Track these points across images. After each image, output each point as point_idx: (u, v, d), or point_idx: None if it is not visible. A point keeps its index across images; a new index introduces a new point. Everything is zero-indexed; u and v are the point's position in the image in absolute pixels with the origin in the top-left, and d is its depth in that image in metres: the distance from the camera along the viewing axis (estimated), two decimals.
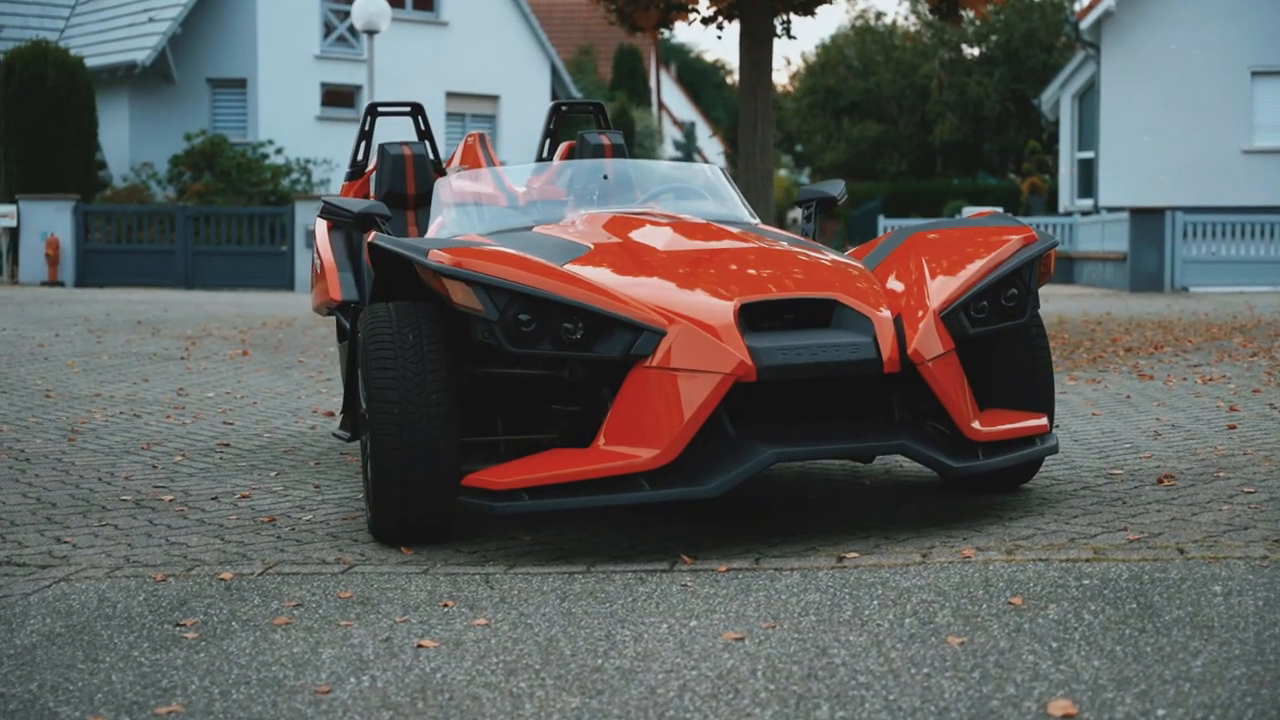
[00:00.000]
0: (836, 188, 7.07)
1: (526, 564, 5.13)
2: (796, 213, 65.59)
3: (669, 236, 5.92)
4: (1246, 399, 8.91)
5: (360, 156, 8.09)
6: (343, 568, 5.13)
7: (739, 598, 4.57)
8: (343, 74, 31.85)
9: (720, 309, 5.25)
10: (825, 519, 5.77)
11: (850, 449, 5.34)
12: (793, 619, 4.30)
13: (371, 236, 5.62)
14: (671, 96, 63.87)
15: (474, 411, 5.68)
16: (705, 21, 15.30)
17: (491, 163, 7.96)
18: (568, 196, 6.95)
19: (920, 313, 5.42)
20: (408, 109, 8.05)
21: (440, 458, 5.24)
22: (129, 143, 30.42)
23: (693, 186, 7.03)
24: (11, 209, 25.38)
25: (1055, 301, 20.90)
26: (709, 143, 60.44)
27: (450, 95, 34.06)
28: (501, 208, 6.81)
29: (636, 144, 39.52)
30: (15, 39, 28.27)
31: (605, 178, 6.90)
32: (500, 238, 6.17)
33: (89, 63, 29.10)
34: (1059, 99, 36.53)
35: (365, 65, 25.42)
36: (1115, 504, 5.74)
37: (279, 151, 29.79)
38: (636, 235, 5.98)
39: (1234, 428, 7.70)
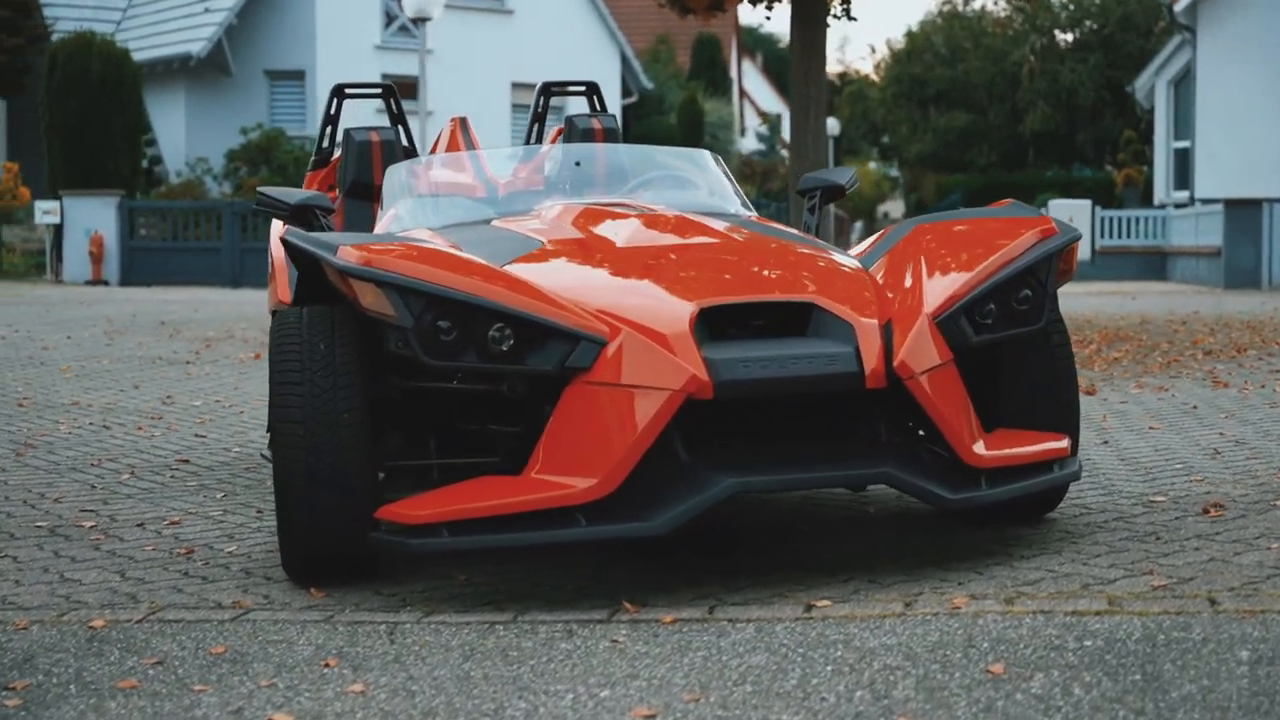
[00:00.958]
0: (844, 175, 6.31)
1: (448, 610, 4.42)
2: (886, 206, 64.44)
3: (633, 230, 5.19)
4: None
5: (326, 143, 7.42)
6: (236, 613, 4.44)
7: (672, 659, 3.83)
8: (405, 65, 31.19)
9: (674, 314, 4.51)
10: (811, 555, 5.01)
11: (825, 478, 4.58)
12: (724, 689, 3.56)
13: (283, 230, 4.93)
14: (756, 87, 63.00)
15: (405, 431, 4.97)
16: (754, 1, 14.51)
17: (472, 148, 7.24)
18: (543, 185, 6.24)
19: (913, 318, 4.66)
20: (379, 90, 7.37)
21: (352, 484, 4.54)
22: (185, 137, 29.99)
23: (682, 174, 6.30)
24: (55, 205, 24.86)
25: (1143, 299, 19.99)
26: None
27: (516, 86, 33.41)
28: (462, 198, 6.09)
29: (709, 135, 38.70)
30: (69, 33, 27.84)
31: (578, 165, 6.18)
32: (452, 232, 5.48)
33: (144, 55, 28.69)
34: (1153, 86, 35.15)
35: (427, 55, 24.78)
36: (1148, 539, 4.95)
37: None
38: (598, 229, 5.26)
39: None
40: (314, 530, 4.58)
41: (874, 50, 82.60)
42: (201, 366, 11.33)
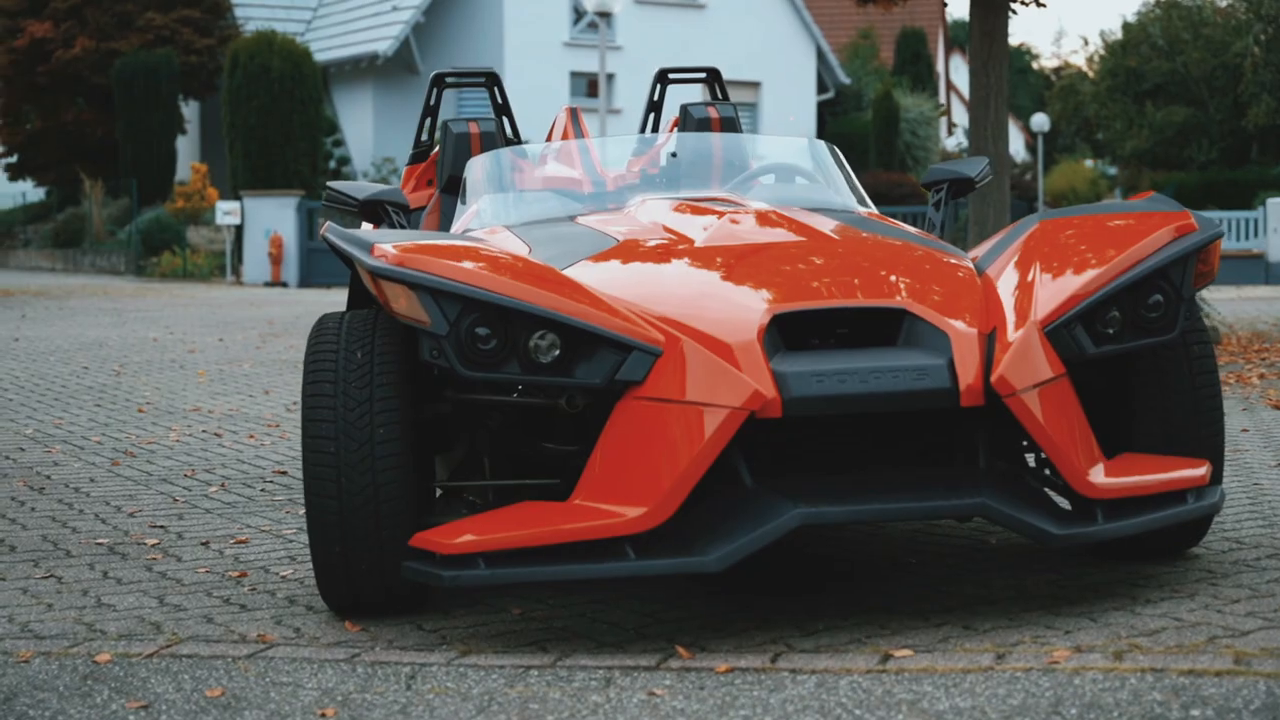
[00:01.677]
0: (975, 167, 5.70)
1: (487, 650, 3.96)
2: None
3: (720, 228, 4.68)
4: None
5: (426, 136, 7.02)
6: (255, 649, 4.03)
7: (709, 718, 3.32)
8: (594, 61, 30.91)
9: (743, 321, 4.00)
10: (908, 593, 4.46)
11: (908, 509, 4.01)
12: None
13: (325, 228, 4.51)
14: (965, 82, 61.64)
15: (463, 449, 4.53)
16: None
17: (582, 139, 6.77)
18: (639, 179, 5.78)
19: (1019, 326, 4.09)
20: (481, 78, 6.96)
21: (391, 507, 4.10)
22: (373, 137, 30.00)
23: (793, 166, 5.78)
24: (235, 206, 24.89)
25: None
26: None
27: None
28: (549, 193, 5.62)
29: (908, 132, 37.81)
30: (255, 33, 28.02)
31: (674, 156, 5.69)
32: (530, 229, 5.03)
33: (332, 55, 28.75)
34: None
35: (616, 52, 24.40)
36: None
37: (526, 143, 29.05)
38: (683, 226, 4.77)
39: None
40: (349, 556, 4.16)
41: (1086, 42, 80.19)
42: None
